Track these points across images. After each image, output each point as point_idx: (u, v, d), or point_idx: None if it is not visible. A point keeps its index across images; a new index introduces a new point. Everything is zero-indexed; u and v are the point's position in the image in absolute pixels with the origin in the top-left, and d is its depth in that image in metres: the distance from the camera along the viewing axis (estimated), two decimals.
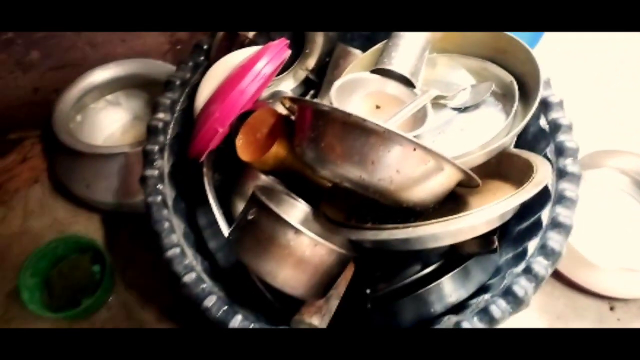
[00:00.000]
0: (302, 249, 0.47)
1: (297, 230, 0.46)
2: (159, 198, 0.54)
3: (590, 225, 0.71)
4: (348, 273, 0.58)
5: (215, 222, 0.56)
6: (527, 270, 0.49)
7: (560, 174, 0.54)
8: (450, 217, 0.45)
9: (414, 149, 0.45)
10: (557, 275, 0.73)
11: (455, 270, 0.52)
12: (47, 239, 0.73)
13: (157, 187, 0.54)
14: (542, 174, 0.49)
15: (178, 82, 0.60)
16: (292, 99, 0.53)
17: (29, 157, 0.83)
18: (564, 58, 0.89)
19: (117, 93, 0.83)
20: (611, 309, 0.72)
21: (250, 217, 0.48)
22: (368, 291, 0.58)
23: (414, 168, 0.46)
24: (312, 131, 0.49)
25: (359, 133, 0.45)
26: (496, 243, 0.50)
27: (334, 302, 0.54)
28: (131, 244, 0.77)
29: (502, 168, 0.56)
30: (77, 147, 0.68)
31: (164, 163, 0.57)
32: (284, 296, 0.54)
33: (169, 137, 0.58)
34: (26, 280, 0.69)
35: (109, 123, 0.84)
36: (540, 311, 0.72)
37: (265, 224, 0.47)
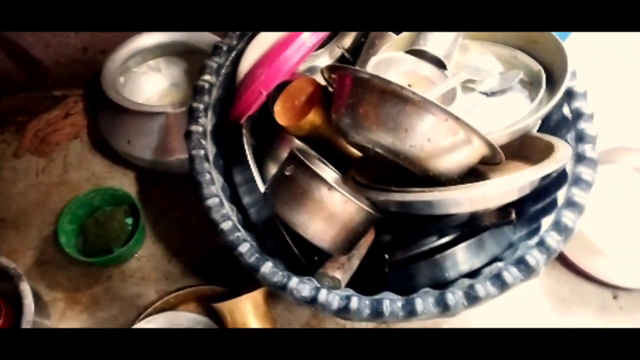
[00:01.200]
0: (333, 205, 0.51)
1: (330, 187, 0.50)
2: (202, 152, 0.58)
3: (601, 216, 0.74)
4: (369, 237, 0.62)
5: (250, 180, 0.60)
6: (540, 243, 0.52)
7: (579, 158, 0.57)
8: (472, 184, 0.48)
9: (446, 120, 0.48)
10: (565, 262, 0.76)
11: (471, 240, 0.56)
12: (84, 190, 0.78)
13: (201, 141, 0.58)
14: (563, 153, 0.52)
15: (225, 48, 0.64)
16: (332, 67, 0.56)
17: (71, 113, 0.87)
18: (592, 53, 0.92)
19: (159, 59, 0.87)
20: (614, 297, 0.75)
21: (287, 172, 0.52)
22: (387, 256, 0.62)
23: (444, 138, 0.50)
24: (350, 98, 0.53)
25: (395, 101, 0.49)
26: (513, 215, 0.54)
27: (355, 261, 0.58)
28: (163, 202, 0.81)
29: (524, 150, 0.59)
30: (123, 104, 0.72)
31: (207, 121, 0.61)
32: (310, 252, 0.59)
33: (213, 98, 0.62)
34: (64, 225, 0.74)
35: (148, 87, 0.88)
36: (546, 294, 0.75)
37: (302, 179, 0.51)
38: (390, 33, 0.72)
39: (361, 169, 0.63)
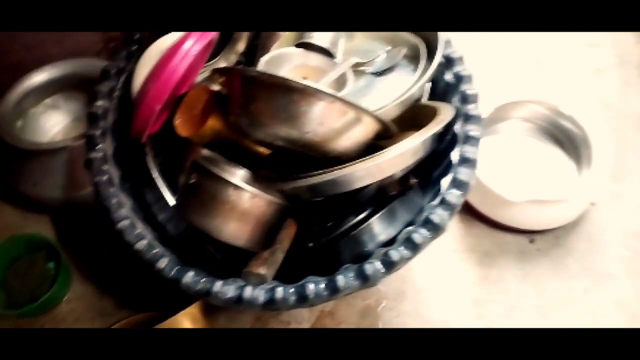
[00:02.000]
0: (242, 203, 0.52)
1: (236, 186, 0.51)
2: (105, 177, 0.57)
3: (504, 168, 0.80)
4: (291, 230, 0.64)
5: (161, 197, 0.60)
6: (442, 201, 0.56)
7: (466, 118, 0.62)
8: (368, 157, 0.51)
9: (332, 102, 0.51)
10: (482, 218, 0.81)
11: (382, 212, 0.58)
12: None
13: (103, 167, 0.58)
14: (444, 115, 0.56)
15: (114, 71, 0.64)
16: (220, 70, 0.57)
17: None
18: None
19: (56, 96, 0.85)
20: (531, 241, 0.80)
21: (192, 180, 0.53)
22: (311, 244, 0.64)
23: (335, 120, 0.52)
24: (241, 97, 0.54)
25: (283, 92, 0.51)
26: (412, 180, 0.57)
27: (279, 255, 0.60)
28: (84, 239, 0.79)
29: (416, 119, 0.63)
30: (22, 146, 0.70)
31: (106, 146, 0.60)
32: (232, 256, 0.59)
33: (109, 122, 0.62)
34: None
35: (50, 127, 0.86)
36: (469, 251, 0.80)
37: (207, 184, 0.52)
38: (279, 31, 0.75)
39: (273, 165, 0.64)
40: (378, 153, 0.51)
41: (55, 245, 0.73)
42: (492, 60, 0.97)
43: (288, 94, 0.51)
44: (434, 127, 0.53)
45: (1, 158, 0.78)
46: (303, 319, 0.74)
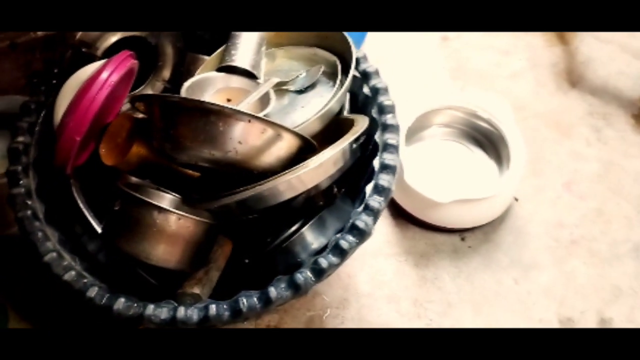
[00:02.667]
0: (169, 225, 0.53)
1: (160, 209, 0.52)
2: (29, 212, 0.57)
3: (431, 172, 0.84)
4: (227, 248, 0.65)
5: (90, 227, 0.60)
6: (366, 207, 0.59)
7: (384, 127, 0.65)
8: (288, 170, 0.53)
9: (249, 121, 0.53)
10: (415, 221, 0.85)
11: (312, 221, 0.61)
12: None
13: (26, 202, 0.58)
14: (359, 125, 0.59)
15: (34, 106, 0.64)
16: (138, 98, 0.58)
17: None
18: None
19: None
20: (462, 239, 0.85)
21: (116, 207, 0.54)
22: (247, 260, 0.65)
23: (255, 138, 0.54)
24: (162, 122, 0.56)
25: (200, 115, 0.53)
26: (335, 190, 0.60)
27: (214, 273, 0.61)
28: (18, 278, 0.77)
29: (338, 132, 0.66)
30: None
31: (29, 181, 0.60)
32: (167, 278, 0.60)
33: (31, 157, 0.62)
34: None
35: None
36: (406, 254, 0.83)
37: (131, 209, 0.53)
38: (203, 57, 0.77)
39: (204, 186, 0.65)
40: (298, 166, 0.54)
41: None
42: (410, 73, 1.02)
43: (206, 116, 0.53)
44: (349, 138, 0.56)
45: None
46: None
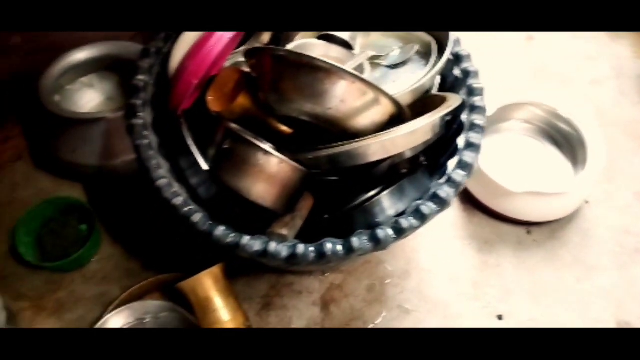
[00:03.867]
0: (270, 167, 0.58)
1: (265, 151, 0.58)
2: (146, 141, 0.64)
3: (505, 164, 0.86)
4: (309, 202, 0.70)
5: (194, 163, 0.66)
6: (449, 180, 0.62)
7: (472, 108, 0.68)
8: (382, 132, 0.57)
9: (353, 82, 0.57)
10: (484, 209, 0.87)
11: (392, 187, 0.64)
12: (34, 205, 0.81)
13: (143, 133, 0.64)
14: (452, 101, 0.62)
15: (153, 50, 0.71)
16: (252, 50, 0.64)
17: (10, 137, 0.90)
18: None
19: (91, 75, 0.92)
20: (528, 232, 0.86)
21: (226, 146, 0.59)
22: (326, 216, 0.70)
23: (356, 98, 0.58)
24: (271, 75, 0.61)
25: (309, 70, 0.57)
26: (421, 158, 0.63)
27: (299, 221, 0.65)
28: (113, 206, 0.86)
29: (427, 108, 0.69)
30: (64, 115, 0.76)
31: (147, 115, 0.67)
32: (257, 219, 0.65)
33: (148, 95, 0.69)
34: (21, 237, 0.77)
35: (84, 103, 0.93)
36: (471, 238, 0.86)
37: (239, 149, 0.58)
38: None
39: (294, 143, 0.71)
40: (391, 129, 0.58)
41: (88, 208, 0.80)
42: (493, 68, 1.03)
43: (314, 72, 0.57)
44: (443, 110, 0.59)
45: (42, 127, 0.85)
46: (314, 289, 0.80)
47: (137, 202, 0.85)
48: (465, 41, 0.74)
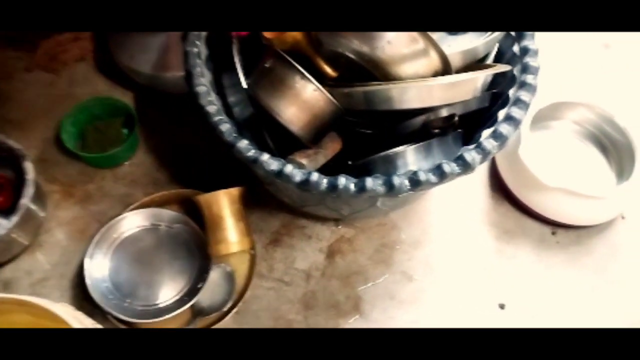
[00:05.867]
0: (305, 92, 0.60)
1: (303, 75, 0.59)
2: (195, 50, 0.66)
3: (546, 159, 0.83)
4: (336, 145, 0.71)
5: (236, 83, 0.68)
6: (478, 145, 0.61)
7: (521, 85, 0.66)
8: (421, 79, 0.57)
9: None
10: (512, 200, 0.85)
11: (420, 143, 0.64)
12: (86, 100, 0.86)
13: (196, 42, 0.67)
14: (502, 67, 0.61)
15: None
16: None
17: (80, 37, 0.96)
18: None
19: None
20: (553, 233, 0.84)
21: (267, 65, 0.61)
22: (350, 162, 0.70)
23: (404, 43, 0.58)
24: None
25: None
26: (456, 118, 0.63)
27: (321, 158, 0.67)
28: (157, 118, 0.90)
29: None
30: None
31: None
32: (283, 148, 0.67)
33: None
34: (66, 126, 0.82)
35: None
36: (492, 225, 0.84)
37: (279, 69, 0.60)
38: None
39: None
40: (430, 78, 0.57)
41: (133, 113, 0.84)
42: (566, 66, 1.00)
43: None
44: (487, 71, 0.59)
45: (109, 33, 0.90)
46: (324, 237, 0.81)
47: (178, 119, 0.89)
48: (540, 43, 0.71)
